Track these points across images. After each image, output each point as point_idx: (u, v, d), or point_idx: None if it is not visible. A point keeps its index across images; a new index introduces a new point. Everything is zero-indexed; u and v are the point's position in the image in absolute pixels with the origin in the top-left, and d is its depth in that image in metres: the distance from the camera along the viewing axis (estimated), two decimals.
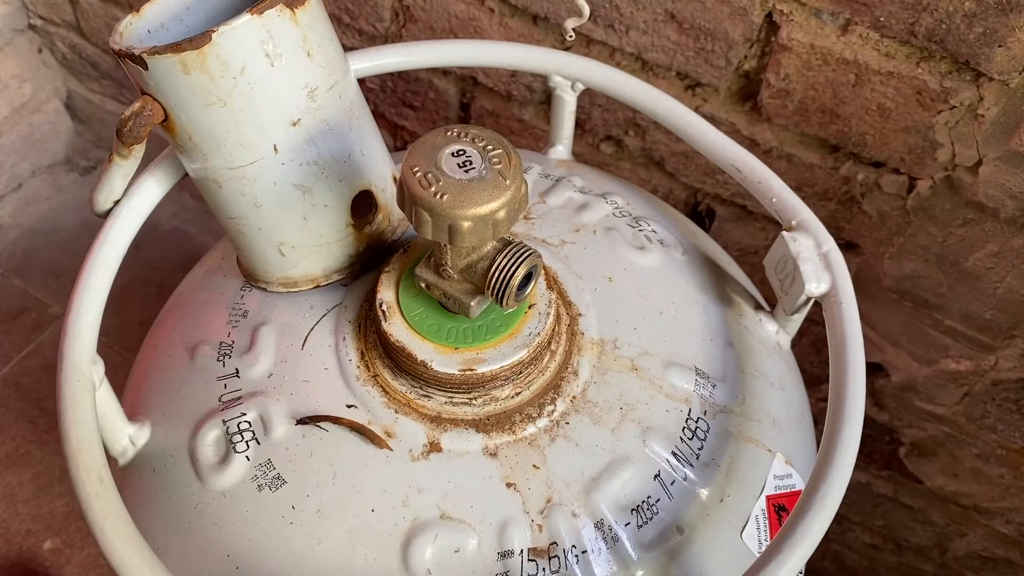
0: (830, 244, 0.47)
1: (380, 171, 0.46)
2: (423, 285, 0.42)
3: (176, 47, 0.37)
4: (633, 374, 0.44)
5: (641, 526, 0.41)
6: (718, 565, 0.42)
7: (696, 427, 0.44)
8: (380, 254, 0.47)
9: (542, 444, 0.42)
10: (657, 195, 0.68)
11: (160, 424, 0.46)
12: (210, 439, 0.43)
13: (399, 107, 0.89)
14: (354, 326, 0.45)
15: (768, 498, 0.44)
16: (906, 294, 0.70)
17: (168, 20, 0.42)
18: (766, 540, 0.44)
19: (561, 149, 0.59)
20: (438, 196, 0.36)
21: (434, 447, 0.42)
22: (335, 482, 0.41)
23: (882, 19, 0.56)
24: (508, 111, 0.81)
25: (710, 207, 0.77)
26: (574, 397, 0.43)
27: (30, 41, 1.17)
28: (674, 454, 0.43)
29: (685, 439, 0.43)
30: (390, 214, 0.47)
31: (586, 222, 0.51)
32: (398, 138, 0.94)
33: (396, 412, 0.43)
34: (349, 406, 0.43)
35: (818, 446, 0.40)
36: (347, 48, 0.46)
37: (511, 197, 0.36)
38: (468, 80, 0.81)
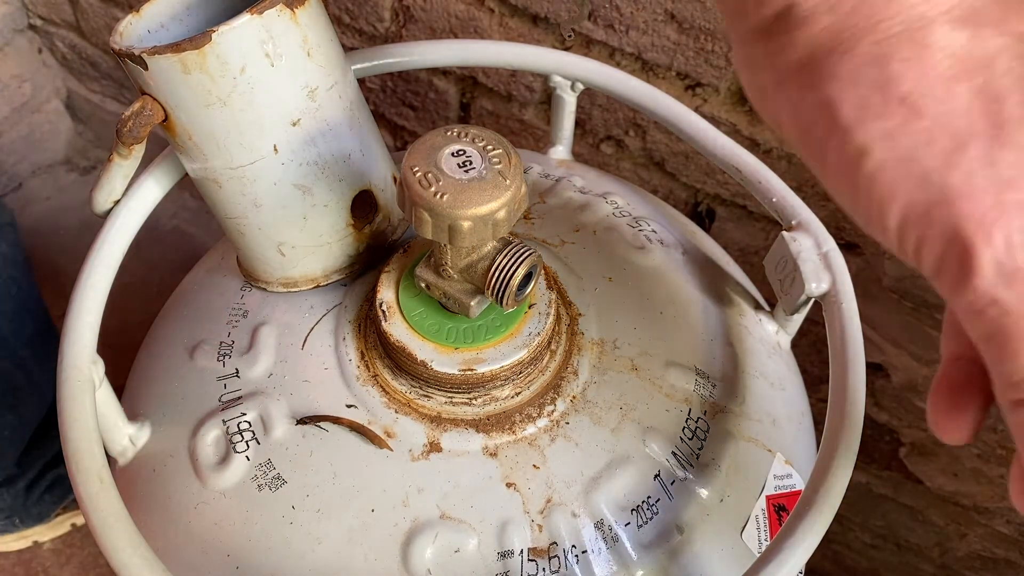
0: (830, 244, 0.47)
1: (380, 171, 0.46)
2: (423, 285, 0.42)
3: (176, 47, 0.37)
4: (633, 374, 0.44)
5: (641, 526, 0.41)
6: (718, 565, 0.42)
7: (696, 427, 0.44)
8: (380, 254, 0.47)
9: (542, 444, 0.42)
10: (657, 195, 0.68)
11: (160, 424, 0.46)
12: (210, 439, 0.43)
13: (399, 107, 0.89)
14: (354, 326, 0.45)
15: (768, 498, 0.44)
16: (906, 294, 0.70)
17: (168, 20, 0.42)
18: (766, 540, 0.44)
19: (561, 149, 0.59)
20: (438, 196, 0.36)
21: (434, 447, 0.42)
22: (335, 482, 0.41)
23: None
24: (508, 111, 0.81)
25: (710, 207, 0.77)
26: (574, 397, 0.43)
27: (30, 41, 1.17)
28: (674, 454, 0.43)
29: (685, 439, 0.43)
30: (390, 214, 0.47)
31: (586, 222, 0.51)
32: (398, 138, 0.94)
33: (396, 412, 0.43)
34: (349, 406, 0.43)
35: (818, 446, 0.40)
36: (347, 48, 0.46)
37: (511, 197, 0.36)
38: (468, 80, 0.81)
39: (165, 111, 0.40)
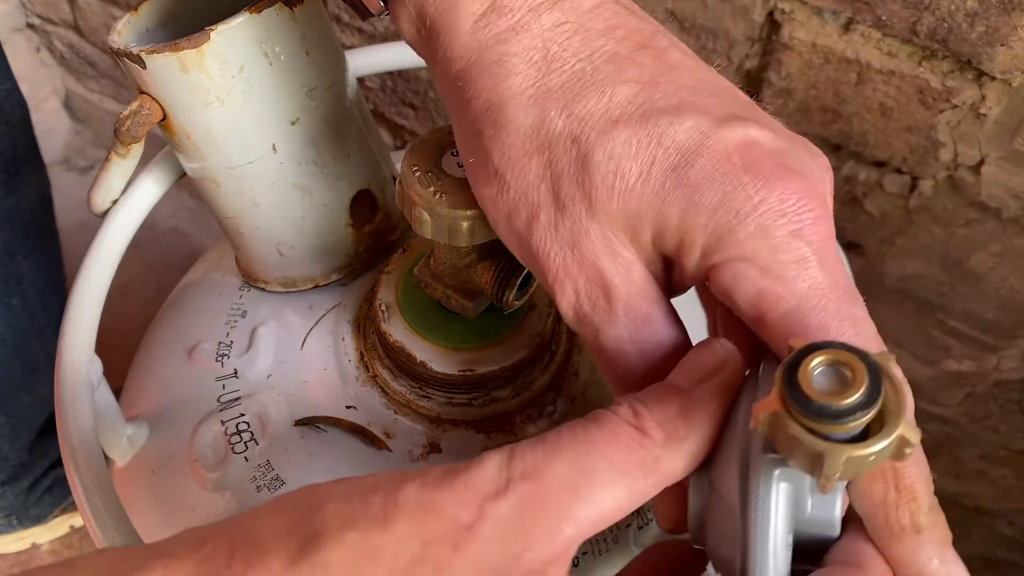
0: None
1: (379, 171, 0.46)
2: (423, 285, 0.42)
3: (174, 46, 0.36)
4: None
5: (642, 527, 0.41)
6: None
7: None
8: (380, 254, 0.47)
9: None
10: None
11: (158, 425, 0.45)
12: (209, 440, 0.43)
13: (399, 106, 0.89)
14: (353, 326, 0.45)
15: None
16: (908, 294, 0.70)
17: (166, 19, 0.42)
18: None
19: None
20: (438, 196, 0.35)
21: (434, 448, 0.41)
22: None
23: (884, 18, 0.55)
24: None
25: None
26: (575, 398, 0.43)
27: (28, 40, 1.17)
28: None
29: None
30: (390, 214, 0.47)
31: None
32: (398, 138, 0.93)
33: (395, 413, 0.42)
34: (348, 407, 0.43)
35: None
36: (347, 47, 0.46)
37: None
38: None
39: (163, 110, 0.39)
